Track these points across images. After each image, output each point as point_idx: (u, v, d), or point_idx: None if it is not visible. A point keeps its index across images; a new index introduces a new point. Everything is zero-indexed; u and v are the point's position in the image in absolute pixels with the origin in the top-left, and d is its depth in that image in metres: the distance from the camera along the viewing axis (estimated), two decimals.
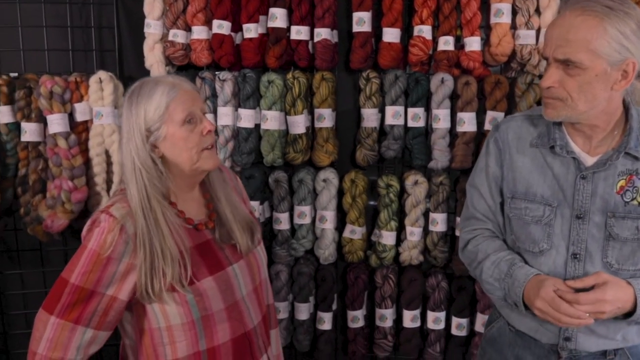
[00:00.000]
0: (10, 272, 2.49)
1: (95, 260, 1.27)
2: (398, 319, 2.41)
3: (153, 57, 2.28)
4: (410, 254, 2.29)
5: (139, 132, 1.33)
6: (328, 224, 2.31)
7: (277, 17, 2.21)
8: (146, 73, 2.30)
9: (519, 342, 1.53)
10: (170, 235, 1.31)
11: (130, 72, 2.40)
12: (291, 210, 2.36)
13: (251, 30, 2.25)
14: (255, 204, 2.31)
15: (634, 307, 1.32)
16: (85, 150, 2.27)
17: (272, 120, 2.25)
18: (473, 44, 2.16)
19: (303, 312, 2.38)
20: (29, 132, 2.22)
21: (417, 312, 2.34)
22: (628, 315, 1.34)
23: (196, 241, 1.40)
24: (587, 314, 1.29)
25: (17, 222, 2.39)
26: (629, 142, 1.36)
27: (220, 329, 1.38)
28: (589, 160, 1.41)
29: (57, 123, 2.19)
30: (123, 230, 1.29)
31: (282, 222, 2.35)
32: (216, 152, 1.44)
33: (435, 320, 2.31)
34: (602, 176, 1.38)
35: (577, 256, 1.40)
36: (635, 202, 1.37)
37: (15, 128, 2.24)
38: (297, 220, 2.34)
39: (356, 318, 2.37)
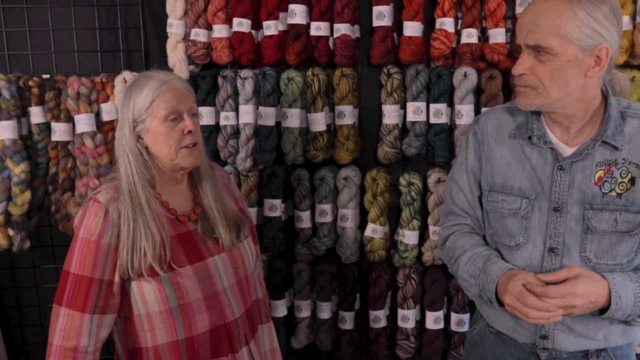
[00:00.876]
0: (45, 266, 2.59)
1: (87, 247, 1.36)
2: (421, 320, 2.35)
3: (176, 56, 2.31)
4: (434, 253, 2.23)
5: (128, 121, 1.42)
6: (349, 222, 2.28)
7: (297, 13, 2.19)
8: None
9: (499, 345, 1.48)
10: (153, 219, 1.39)
11: None
12: (313, 209, 2.34)
13: (271, 28, 2.24)
14: (277, 202, 2.31)
15: (609, 302, 1.26)
16: (111, 149, 2.32)
17: (292, 118, 2.24)
18: (497, 35, 2.08)
19: (325, 311, 2.36)
20: (59, 132, 2.29)
21: (440, 313, 2.28)
22: (603, 311, 1.28)
23: (177, 231, 1.45)
24: (557, 308, 1.23)
25: (50, 219, 2.47)
26: (606, 131, 1.31)
27: (199, 318, 1.42)
28: (568, 151, 1.36)
29: (84, 123, 2.26)
30: (107, 214, 1.37)
31: (304, 221, 2.33)
32: (199, 151, 1.48)
33: (459, 322, 2.25)
34: (579, 167, 1.33)
35: (555, 250, 1.35)
36: (613, 194, 1.32)
37: (46, 128, 2.32)
38: (318, 219, 2.32)
39: (378, 318, 2.33)
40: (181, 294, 1.40)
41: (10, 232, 2.29)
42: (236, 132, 2.32)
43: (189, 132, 1.42)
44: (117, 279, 1.38)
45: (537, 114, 1.40)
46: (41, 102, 2.30)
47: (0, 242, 2.28)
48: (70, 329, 1.35)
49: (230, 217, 1.52)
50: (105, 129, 2.32)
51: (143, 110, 1.40)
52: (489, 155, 1.47)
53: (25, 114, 2.32)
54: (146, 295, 1.39)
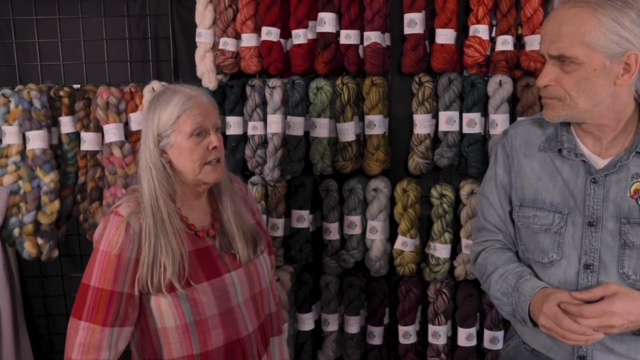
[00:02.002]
0: (73, 275, 2.59)
1: (108, 260, 1.34)
2: (453, 336, 2.27)
3: (204, 66, 2.29)
4: (466, 268, 2.15)
5: (152, 135, 1.41)
6: (379, 235, 2.22)
7: (326, 21, 2.15)
8: (199, 82, 2.31)
9: None
10: (174, 235, 1.37)
11: (185, 81, 2.38)
12: (341, 220, 2.29)
13: (300, 36, 2.21)
14: (305, 213, 2.26)
15: None
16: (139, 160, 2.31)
17: (321, 128, 2.20)
18: (534, 42, 2.00)
19: (353, 325, 2.30)
20: (88, 141, 2.29)
21: (473, 330, 2.19)
22: None
23: (195, 246, 1.44)
24: (594, 329, 1.17)
25: (79, 228, 2.47)
26: None
27: (214, 334, 1.42)
28: (600, 163, 1.30)
29: (112, 132, 2.25)
30: (129, 228, 1.36)
31: (332, 232, 2.28)
32: (222, 166, 1.48)
33: (493, 339, 2.16)
34: (614, 179, 1.28)
35: (590, 267, 1.29)
36: None
37: (76, 138, 2.32)
38: (347, 231, 2.26)
39: (408, 334, 2.25)
40: (197, 310, 1.39)
41: (39, 240, 2.29)
42: (264, 141, 2.29)
43: (214, 147, 1.43)
44: (136, 292, 1.38)
45: (566, 125, 1.35)
46: (71, 111, 2.31)
47: (29, 250, 2.28)
48: (90, 343, 1.34)
49: (248, 232, 1.52)
50: (134, 138, 2.31)
51: (168, 125, 1.40)
52: (518, 170, 1.42)
53: (55, 123, 2.32)
54: (163, 310, 1.39)
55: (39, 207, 2.27)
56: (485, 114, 2.13)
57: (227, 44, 2.26)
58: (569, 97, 1.24)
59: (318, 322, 2.37)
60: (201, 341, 1.41)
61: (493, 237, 1.51)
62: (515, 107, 2.09)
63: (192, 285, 1.38)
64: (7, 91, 2.27)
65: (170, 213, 1.39)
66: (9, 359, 2.37)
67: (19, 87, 2.28)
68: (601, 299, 1.20)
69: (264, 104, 2.28)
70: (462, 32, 2.18)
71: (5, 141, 2.27)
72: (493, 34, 2.11)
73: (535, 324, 1.30)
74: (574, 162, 1.33)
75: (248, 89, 2.27)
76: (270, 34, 2.21)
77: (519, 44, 2.10)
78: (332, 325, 2.32)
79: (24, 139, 2.26)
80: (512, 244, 1.50)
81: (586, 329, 1.18)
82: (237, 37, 2.28)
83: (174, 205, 1.42)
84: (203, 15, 2.26)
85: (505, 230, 1.49)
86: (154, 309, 1.39)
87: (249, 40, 2.24)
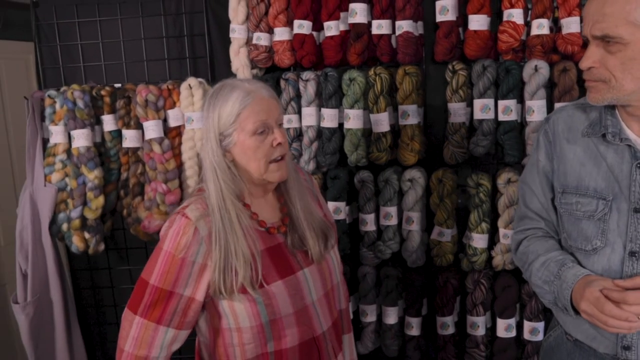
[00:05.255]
0: (120, 267, 2.69)
1: (171, 262, 1.31)
2: (492, 327, 2.24)
3: (238, 61, 2.33)
4: (504, 258, 2.12)
5: (214, 134, 1.35)
6: (415, 225, 2.21)
7: (357, 12, 2.15)
8: (234, 77, 2.35)
9: (577, 354, 1.39)
10: (244, 236, 1.33)
11: (221, 77, 2.40)
12: (377, 211, 2.29)
13: (332, 28, 2.21)
14: (341, 205, 2.27)
15: None
16: (178, 154, 2.37)
17: (354, 119, 2.20)
18: (571, 25, 1.94)
19: (391, 316, 2.30)
20: (129, 138, 2.37)
21: (512, 321, 2.16)
22: None
23: (267, 244, 1.39)
24: (638, 317, 1.15)
25: (123, 222, 2.56)
26: None
27: (289, 333, 1.37)
28: None
29: (152, 129, 2.31)
30: (196, 232, 1.31)
31: (368, 224, 2.28)
32: (286, 163, 1.41)
33: (533, 330, 2.12)
34: None
35: (636, 254, 1.25)
36: None
37: (118, 135, 2.40)
38: (383, 222, 2.26)
39: (446, 324, 2.24)
40: (272, 310, 1.34)
41: (86, 235, 2.39)
42: (299, 134, 2.31)
43: (279, 144, 1.36)
44: (199, 297, 1.33)
45: (611, 108, 1.31)
46: (113, 110, 2.39)
47: (77, 244, 2.38)
48: (143, 339, 1.32)
49: (318, 227, 1.45)
50: (172, 134, 2.37)
51: (229, 123, 1.33)
52: (561, 155, 1.39)
53: (98, 122, 2.41)
54: (237, 311, 1.34)
55: (84, 203, 2.37)
56: (520, 101, 2.08)
57: (261, 38, 2.29)
58: (614, 79, 1.21)
59: (356, 313, 2.38)
60: (275, 340, 1.36)
61: (535, 225, 1.48)
62: (552, 92, 2.03)
63: (266, 285, 1.33)
64: (52, 92, 2.37)
65: (239, 214, 1.33)
66: (62, 348, 2.49)
67: (63, 88, 2.37)
68: None
69: (298, 97, 2.30)
70: (497, 18, 2.14)
71: (52, 140, 2.37)
72: (528, 18, 2.06)
73: (577, 312, 1.28)
74: (619, 147, 1.29)
75: (282, 83, 2.30)
76: (302, 27, 2.22)
77: (555, 27, 2.04)
78: (370, 316, 2.33)
79: (70, 137, 2.36)
80: (555, 232, 1.47)
81: (629, 315, 1.15)
82: (270, 31, 2.30)
83: (242, 204, 1.37)
84: (236, 11, 2.29)
85: (547, 218, 1.46)
86: (227, 310, 1.35)
87: (281, 34, 2.26)
